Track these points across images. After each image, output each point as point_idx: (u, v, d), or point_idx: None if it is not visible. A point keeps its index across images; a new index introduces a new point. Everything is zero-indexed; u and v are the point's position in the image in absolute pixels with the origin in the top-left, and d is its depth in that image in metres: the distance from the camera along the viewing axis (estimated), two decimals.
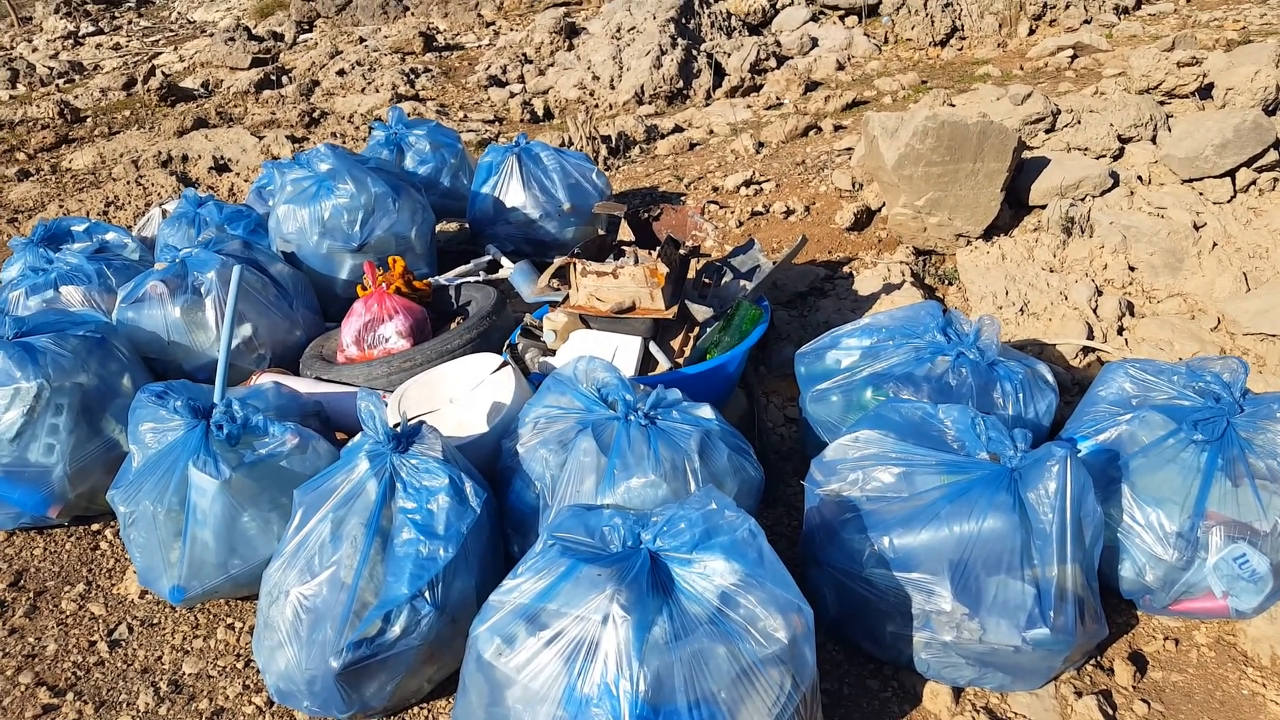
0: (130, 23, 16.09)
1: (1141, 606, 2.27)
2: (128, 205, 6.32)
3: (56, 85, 11.37)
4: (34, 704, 2.29)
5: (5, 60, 12.49)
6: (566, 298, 2.87)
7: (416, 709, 2.20)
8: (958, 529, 1.98)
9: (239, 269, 2.65)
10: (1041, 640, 1.94)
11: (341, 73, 8.53)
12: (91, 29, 15.22)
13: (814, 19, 8.29)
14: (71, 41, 14.41)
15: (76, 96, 10.04)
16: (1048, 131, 4.12)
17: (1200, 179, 3.60)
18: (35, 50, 13.92)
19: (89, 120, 9.05)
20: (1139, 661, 2.17)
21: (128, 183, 6.60)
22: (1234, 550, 2.05)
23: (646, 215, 3.13)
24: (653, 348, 2.77)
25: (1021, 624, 1.94)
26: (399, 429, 2.19)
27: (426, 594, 2.03)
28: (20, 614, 2.60)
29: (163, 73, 10.03)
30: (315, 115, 7.38)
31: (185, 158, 6.95)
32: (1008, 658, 1.98)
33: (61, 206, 6.29)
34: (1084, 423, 2.36)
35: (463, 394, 2.72)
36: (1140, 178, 3.76)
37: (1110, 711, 2.02)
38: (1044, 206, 3.75)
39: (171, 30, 15.15)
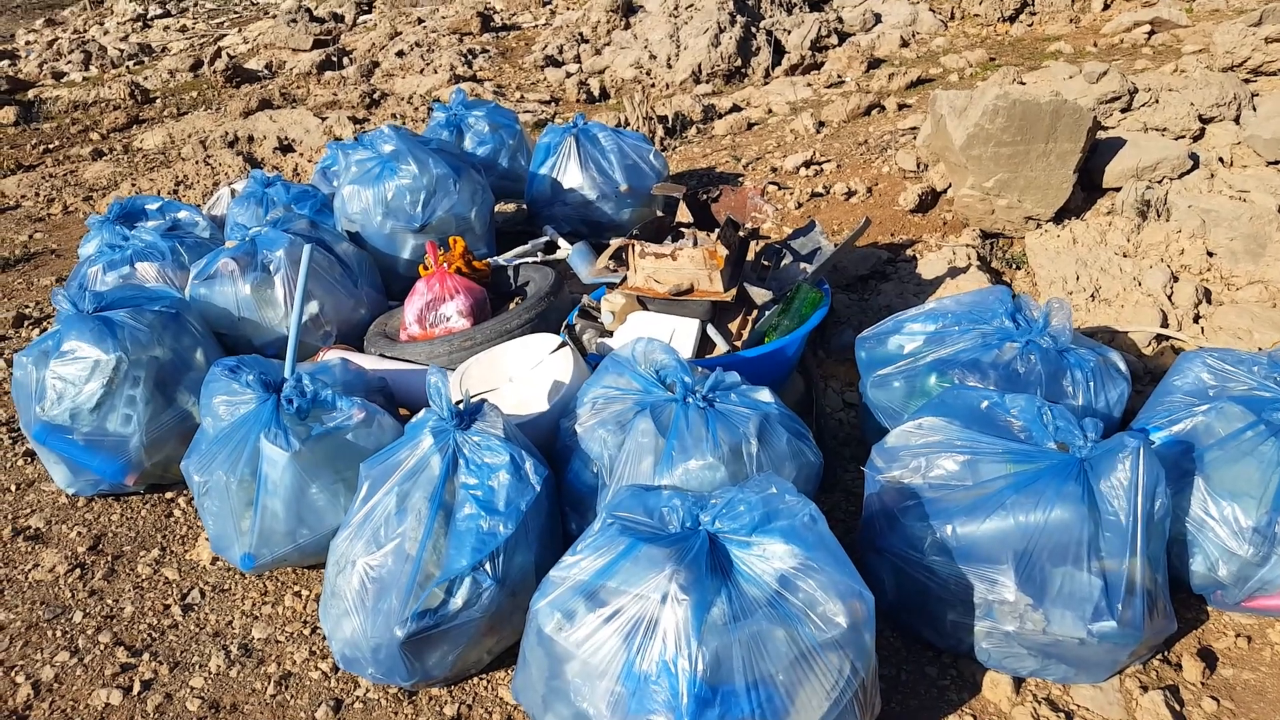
0: (196, 5, 16.47)
1: (1213, 602, 2.21)
2: (197, 184, 6.49)
3: (126, 67, 11.71)
4: (113, 662, 2.39)
5: (79, 43, 12.90)
6: (624, 279, 2.87)
7: (476, 679, 2.24)
8: (1024, 519, 1.95)
9: (309, 248, 2.71)
10: (1107, 633, 1.90)
11: (401, 54, 8.62)
12: (160, 11, 15.63)
13: None
14: (141, 24, 14.81)
15: (146, 78, 10.33)
16: (1124, 111, 3.98)
17: None
18: (106, 33, 14.34)
19: (158, 101, 9.31)
20: (1208, 658, 2.11)
21: (196, 162, 6.78)
22: None
23: (705, 196, 3.11)
24: (710, 330, 2.76)
25: (1087, 616, 1.90)
26: (462, 406, 2.22)
27: (487, 567, 2.07)
28: (99, 576, 2.71)
29: (228, 54, 10.26)
30: (376, 96, 7.48)
31: (251, 138, 7.11)
32: (1072, 650, 1.95)
33: (134, 185, 6.50)
34: (1157, 413, 2.29)
35: (522, 373, 2.75)
36: (1221, 159, 3.61)
37: (1177, 707, 1.98)
38: (1118, 189, 3.63)
39: (236, 12, 15.47)
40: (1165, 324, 3.07)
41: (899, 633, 2.24)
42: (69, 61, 12.01)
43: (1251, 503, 2.05)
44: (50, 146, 7.92)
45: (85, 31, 14.63)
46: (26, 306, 4.63)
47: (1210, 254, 3.28)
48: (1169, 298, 3.14)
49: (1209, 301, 3.15)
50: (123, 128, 8.45)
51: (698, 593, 1.69)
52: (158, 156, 7.39)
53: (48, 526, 2.95)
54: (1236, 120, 3.73)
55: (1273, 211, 3.24)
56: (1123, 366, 2.46)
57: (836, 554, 1.78)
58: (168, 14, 15.35)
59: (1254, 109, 3.69)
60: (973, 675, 2.11)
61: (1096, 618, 1.90)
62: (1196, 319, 3.10)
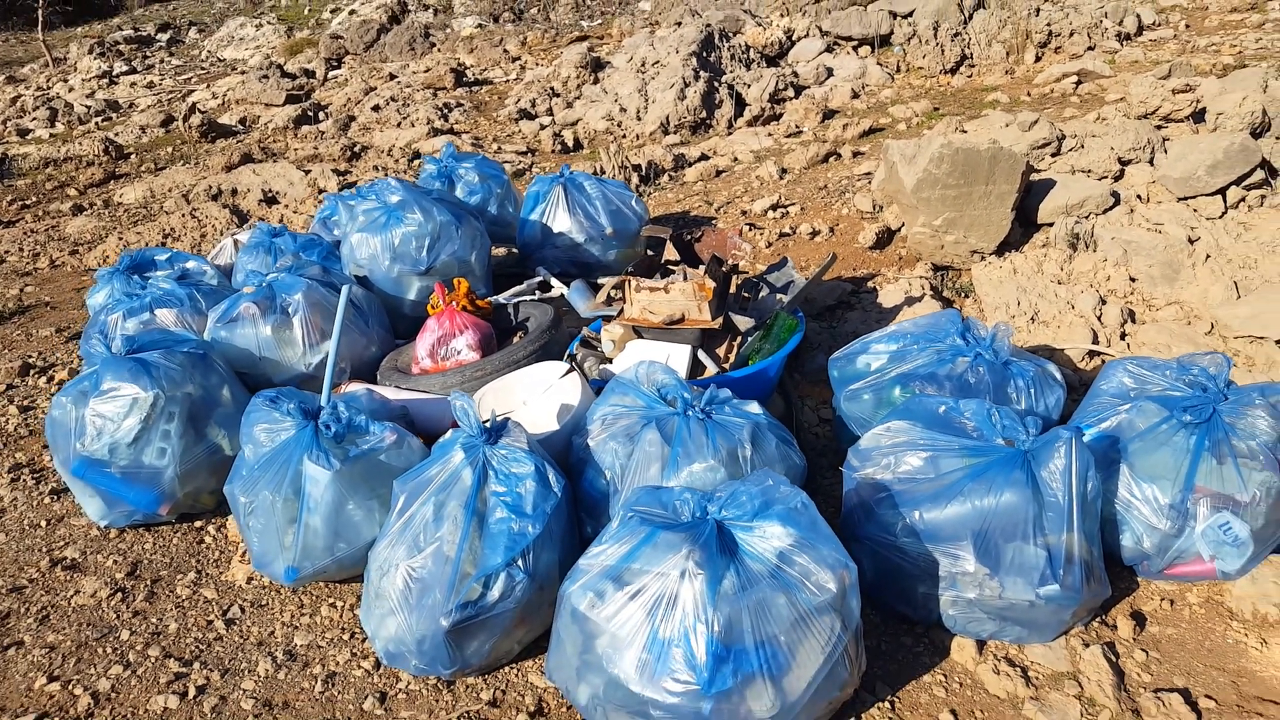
0: (162, 61, 16.66)
1: (1140, 572, 2.57)
2: (184, 236, 6.70)
3: (95, 123, 11.85)
4: (166, 672, 2.57)
5: (43, 100, 13.03)
6: (621, 311, 3.20)
7: (508, 668, 2.50)
8: (979, 503, 2.29)
9: (348, 286, 3.00)
10: (1052, 596, 2.24)
11: (377, 108, 8.96)
12: (125, 68, 15.79)
13: (828, 50, 8.69)
14: (106, 80, 14.96)
15: (118, 134, 10.49)
16: (1054, 155, 4.46)
17: (1194, 197, 3.93)
18: (72, 90, 14.47)
19: (133, 156, 9.48)
20: (1139, 618, 2.47)
21: (182, 215, 6.99)
22: (1219, 519, 2.36)
23: (689, 237, 3.47)
24: (701, 354, 3.10)
25: (1035, 582, 2.24)
26: (489, 424, 2.52)
27: (520, 563, 2.35)
28: (140, 599, 2.90)
29: (200, 110, 10.49)
30: (356, 149, 7.79)
31: (235, 191, 7.35)
32: (1024, 612, 2.29)
33: (121, 239, 6.66)
34: (1088, 413, 2.67)
35: (535, 397, 3.05)
36: (1139, 196, 4.09)
37: (1114, 658, 2.33)
38: (1051, 224, 4.08)
39: (203, 68, 15.70)
40: (1096, 341, 3.49)
41: (877, 610, 2.56)
42: (34, 119, 12.13)
43: (1168, 484, 2.42)
44: (28, 202, 8.03)
45: (49, 89, 14.74)
46: (30, 356, 4.78)
47: (1133, 279, 3.72)
48: (1098, 318, 3.56)
49: (1133, 321, 3.58)
50: (100, 183, 8.61)
51: (710, 569, 2.00)
52: (140, 210, 7.55)
53: (83, 556, 3.11)
54: (1151, 162, 4.22)
55: (1184, 241, 3.69)
56: (1058, 375, 2.85)
57: (825, 533, 2.11)
58: (133, 70, 15.53)
59: (1165, 151, 4.19)
60: (942, 641, 2.44)
61: (1042, 583, 2.24)
62: (1123, 336, 3.51)
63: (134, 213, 7.50)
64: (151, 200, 7.70)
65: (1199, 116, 4.50)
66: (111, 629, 2.77)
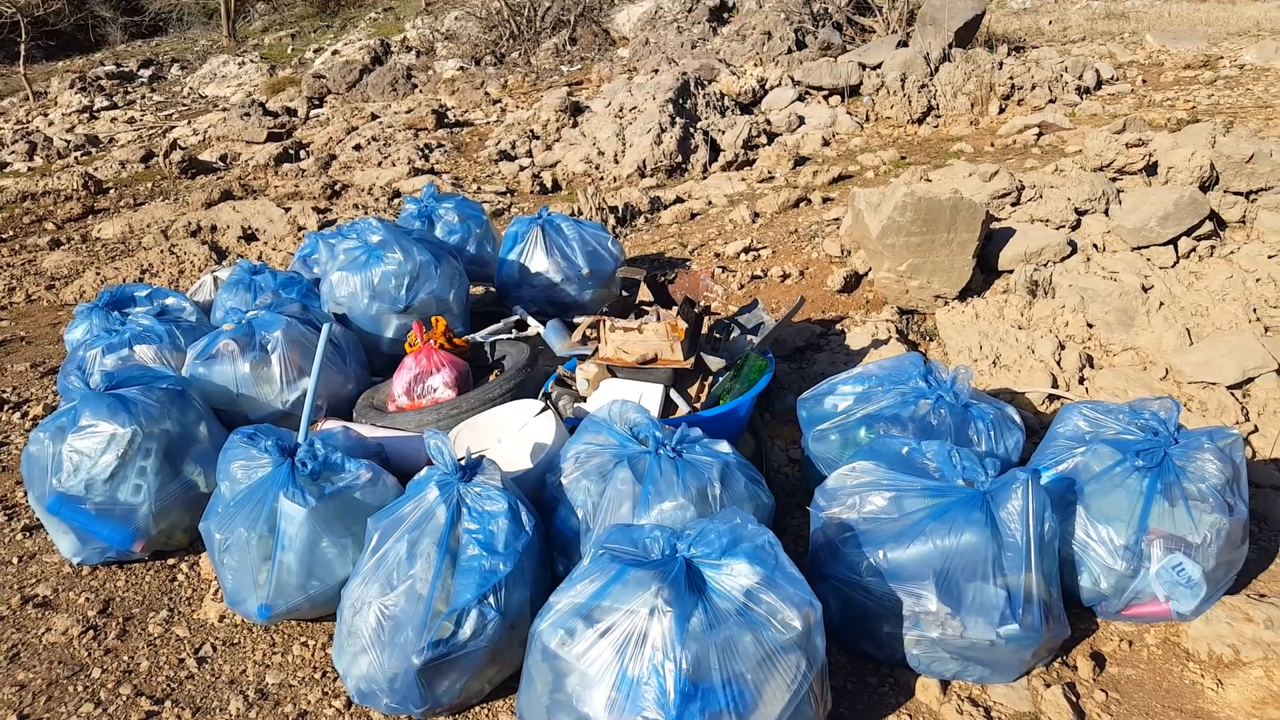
0: (143, 97, 16.73)
1: (1099, 613, 2.64)
2: (162, 272, 6.71)
3: (75, 158, 11.86)
4: (137, 710, 2.56)
5: (23, 133, 13.04)
6: (596, 350, 3.28)
7: (479, 708, 2.52)
8: (940, 543, 2.36)
9: (328, 326, 3.05)
10: (1012, 635, 2.31)
11: (358, 147, 9.06)
12: (105, 103, 15.84)
13: (800, 99, 8.93)
14: (86, 115, 14.99)
15: (97, 168, 10.51)
16: (1013, 205, 4.62)
17: (1147, 247, 4.09)
18: (51, 124, 14.49)
19: (112, 191, 9.49)
20: (1099, 659, 2.54)
21: (161, 251, 7.01)
22: (1172, 560, 2.44)
23: (663, 279, 3.57)
24: (673, 394, 3.18)
25: (995, 621, 2.31)
26: (463, 462, 2.56)
27: (491, 600, 2.38)
28: (113, 636, 2.89)
29: (180, 146, 10.54)
30: (336, 188, 7.87)
31: (214, 228, 7.38)
32: (985, 651, 2.35)
33: (98, 274, 6.67)
34: (1045, 456, 2.76)
35: (510, 434, 3.10)
36: (1095, 246, 4.25)
37: (1074, 699, 2.39)
38: (1011, 271, 4.22)
39: (184, 105, 15.79)
40: (1055, 385, 3.60)
41: (844, 650, 2.61)
42: (13, 152, 12.12)
43: (1122, 526, 2.51)
44: (4, 236, 8.01)
45: (29, 122, 14.75)
46: (4, 391, 4.76)
47: (1090, 325, 3.85)
48: (1058, 363, 3.68)
49: (1091, 365, 3.70)
50: (79, 217, 8.60)
51: (679, 606, 2.05)
52: (118, 246, 7.55)
53: (55, 594, 3.09)
54: (1106, 212, 4.39)
55: (1138, 289, 3.84)
56: (1017, 418, 2.94)
57: (790, 572, 2.17)
58: (114, 106, 15.57)
59: (1119, 203, 4.36)
60: (907, 681, 2.49)
61: (1003, 622, 2.31)
62: (1081, 380, 3.63)
63: (112, 248, 7.50)
64: (130, 236, 7.70)
65: (1152, 170, 4.69)
66: (83, 667, 2.76)
